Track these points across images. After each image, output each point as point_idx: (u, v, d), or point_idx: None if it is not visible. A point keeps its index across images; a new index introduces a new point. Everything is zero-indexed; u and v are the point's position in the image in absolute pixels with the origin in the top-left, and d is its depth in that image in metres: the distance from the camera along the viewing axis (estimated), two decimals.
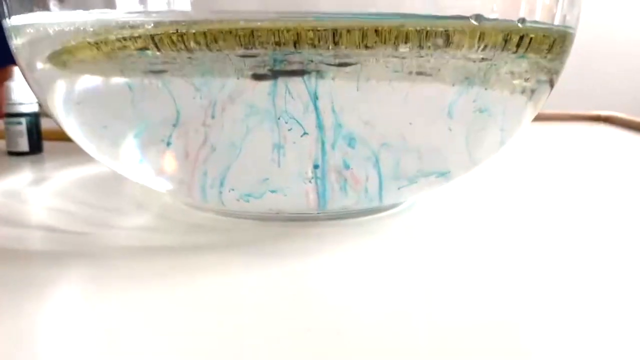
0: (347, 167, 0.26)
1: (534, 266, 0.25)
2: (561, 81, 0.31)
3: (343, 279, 0.23)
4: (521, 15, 0.25)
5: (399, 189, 0.29)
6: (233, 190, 0.27)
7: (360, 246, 0.27)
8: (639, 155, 0.56)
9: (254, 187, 0.27)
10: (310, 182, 0.27)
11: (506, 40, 0.24)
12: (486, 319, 0.20)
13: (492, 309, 0.20)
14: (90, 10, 0.25)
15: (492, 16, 0.23)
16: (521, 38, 0.24)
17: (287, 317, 0.20)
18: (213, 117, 0.25)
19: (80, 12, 0.25)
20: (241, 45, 0.22)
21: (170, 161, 0.28)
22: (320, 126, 0.24)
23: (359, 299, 0.21)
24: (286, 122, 0.24)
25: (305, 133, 0.25)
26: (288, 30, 0.22)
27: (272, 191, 0.27)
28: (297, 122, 0.25)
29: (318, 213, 0.29)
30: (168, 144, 0.26)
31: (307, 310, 0.20)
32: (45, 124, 0.49)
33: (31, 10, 0.26)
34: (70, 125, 0.29)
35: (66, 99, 0.28)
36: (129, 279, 0.23)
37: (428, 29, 0.22)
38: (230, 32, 0.22)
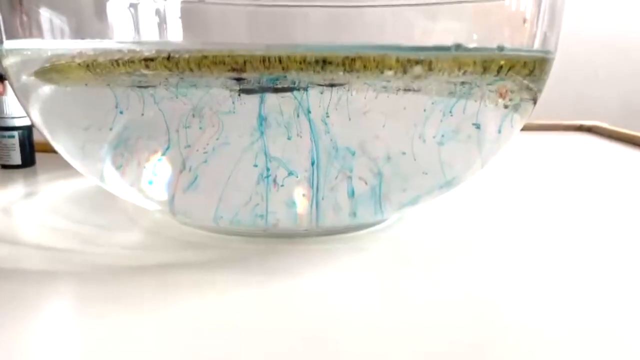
0: (345, 188, 0.27)
1: (525, 278, 0.26)
2: (544, 91, 0.32)
3: (333, 296, 0.24)
4: (502, 36, 0.26)
5: (399, 208, 0.30)
6: (222, 217, 0.28)
7: (349, 262, 0.27)
8: (622, 165, 0.56)
9: (244, 214, 0.28)
10: (302, 205, 0.27)
11: (485, 68, 0.25)
12: (478, 335, 0.20)
13: (482, 326, 0.21)
14: (84, 40, 0.26)
15: (472, 45, 0.24)
16: (501, 65, 0.25)
17: (277, 334, 0.20)
18: (193, 146, 0.25)
19: (74, 41, 0.26)
20: (232, 70, 0.23)
21: (158, 185, 0.28)
22: (314, 141, 0.25)
23: (349, 316, 0.22)
24: (270, 162, 0.25)
25: (291, 173, 0.26)
26: (279, 60, 0.23)
27: (262, 216, 0.27)
28: (283, 163, 0.26)
29: (307, 230, 0.30)
30: (154, 172, 0.27)
31: (296, 327, 0.21)
32: (37, 136, 0.49)
33: (24, 36, 0.27)
34: (56, 141, 0.30)
35: (52, 114, 0.29)
36: (118, 298, 0.23)
37: (412, 59, 0.23)
38: (223, 62, 0.23)
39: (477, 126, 0.28)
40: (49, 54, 0.26)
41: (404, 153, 0.27)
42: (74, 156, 0.30)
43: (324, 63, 0.23)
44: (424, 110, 0.26)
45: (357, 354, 0.19)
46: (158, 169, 0.27)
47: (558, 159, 0.60)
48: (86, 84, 0.26)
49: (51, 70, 0.27)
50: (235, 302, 0.23)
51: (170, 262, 0.27)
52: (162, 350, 0.19)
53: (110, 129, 0.27)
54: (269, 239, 0.30)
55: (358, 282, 0.25)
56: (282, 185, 0.26)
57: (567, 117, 0.79)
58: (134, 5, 0.25)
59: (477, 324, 0.21)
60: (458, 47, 0.23)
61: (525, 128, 0.32)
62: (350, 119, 0.25)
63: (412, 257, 0.28)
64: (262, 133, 0.25)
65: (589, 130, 0.75)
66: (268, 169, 0.26)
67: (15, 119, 0.47)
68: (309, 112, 0.24)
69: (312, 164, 0.26)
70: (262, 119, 0.25)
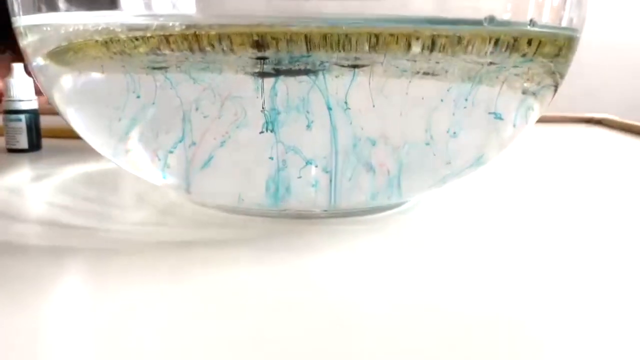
0: (363, 168, 0.26)
1: (535, 263, 0.25)
2: None
3: (352, 275, 0.23)
4: (529, 16, 0.26)
5: (418, 192, 0.29)
6: (243, 200, 0.27)
7: (368, 243, 0.27)
8: (632, 157, 0.56)
9: (261, 195, 0.27)
10: (321, 188, 0.27)
11: (515, 43, 0.24)
12: (491, 316, 0.20)
13: (497, 306, 0.21)
14: (99, 13, 0.25)
15: (505, 16, 0.23)
16: (530, 42, 0.25)
17: (296, 313, 0.20)
18: (210, 129, 0.25)
19: (90, 13, 0.25)
20: (256, 47, 0.22)
21: (175, 165, 0.28)
22: (333, 125, 0.24)
23: (368, 296, 0.21)
24: (289, 151, 0.25)
25: (309, 163, 0.25)
26: (305, 35, 0.22)
27: (279, 197, 0.27)
28: (300, 149, 0.25)
29: (326, 210, 0.29)
30: (171, 151, 0.26)
31: (316, 306, 0.20)
32: (44, 121, 0.49)
33: (40, 10, 0.26)
34: (75, 120, 0.29)
35: (70, 94, 0.28)
36: (134, 274, 0.23)
37: (442, 34, 0.23)
38: (245, 35, 0.22)
39: (498, 115, 0.27)
40: (69, 29, 0.25)
41: (427, 143, 0.26)
42: (92, 134, 0.29)
43: (347, 37, 0.23)
44: (442, 100, 0.25)
45: (376, 329, 0.19)
46: (174, 151, 0.27)
47: (569, 152, 0.59)
48: (102, 65, 0.25)
49: (68, 51, 0.26)
50: (254, 279, 0.22)
51: (186, 240, 0.27)
52: (182, 325, 0.19)
53: (126, 111, 0.26)
54: (287, 220, 0.29)
55: (376, 261, 0.25)
56: (299, 177, 0.26)
57: (577, 110, 0.79)
58: None
59: (491, 304, 0.21)
60: (491, 20, 0.23)
61: (536, 120, 0.31)
62: (370, 105, 0.24)
63: (430, 239, 0.28)
64: (278, 120, 0.24)
65: (599, 122, 0.75)
66: (284, 160, 0.25)
67: (22, 102, 0.46)
68: (328, 96, 0.24)
69: (332, 148, 0.25)
70: (275, 108, 0.24)
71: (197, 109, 0.25)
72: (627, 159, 0.55)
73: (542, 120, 0.72)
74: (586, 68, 1.51)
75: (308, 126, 0.24)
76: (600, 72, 1.58)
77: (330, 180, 0.27)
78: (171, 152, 0.26)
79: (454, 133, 0.27)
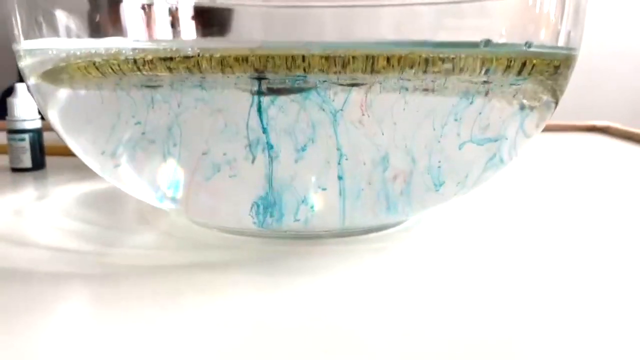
0: (364, 188, 0.26)
1: (540, 279, 0.25)
2: None
3: (351, 297, 0.23)
4: (527, 34, 0.26)
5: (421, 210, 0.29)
6: (244, 222, 0.27)
7: (367, 264, 0.27)
8: (636, 165, 0.56)
9: (264, 220, 0.27)
10: (324, 208, 0.27)
11: (509, 65, 0.24)
12: (497, 336, 0.20)
13: (503, 326, 0.20)
14: (101, 39, 0.25)
15: (501, 40, 0.23)
16: (524, 63, 0.25)
17: (296, 336, 0.20)
18: (210, 150, 0.25)
19: (92, 40, 0.25)
20: (254, 69, 0.23)
21: (174, 186, 0.28)
22: (333, 148, 0.24)
23: (371, 316, 0.21)
24: (288, 173, 0.25)
25: (309, 184, 0.25)
26: (302, 58, 0.22)
27: (282, 220, 0.27)
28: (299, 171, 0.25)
29: (327, 231, 0.29)
30: (170, 174, 0.26)
31: (316, 329, 0.20)
32: (48, 139, 0.49)
33: (42, 36, 0.27)
34: (72, 141, 0.29)
35: (67, 115, 0.29)
36: (135, 300, 0.23)
37: (438, 56, 0.23)
38: (245, 59, 0.22)
39: (498, 124, 0.27)
40: (68, 54, 0.25)
41: (430, 156, 0.26)
42: (90, 156, 0.29)
43: (344, 62, 0.23)
44: (440, 117, 0.25)
45: (378, 353, 0.19)
46: (173, 171, 0.27)
47: (573, 160, 0.59)
48: (99, 87, 0.26)
49: (65, 72, 0.26)
50: (256, 302, 0.22)
51: (189, 263, 0.27)
52: (183, 350, 0.19)
53: (118, 132, 0.26)
54: (288, 240, 0.29)
55: (380, 282, 0.25)
56: (300, 199, 0.26)
57: (580, 118, 0.79)
58: (147, 6, 0.25)
59: (494, 324, 0.21)
60: (487, 42, 0.23)
61: None
62: (371, 124, 0.24)
63: (433, 257, 0.28)
64: (277, 142, 0.24)
65: (602, 130, 0.75)
66: (284, 182, 0.25)
67: (25, 122, 0.47)
68: (328, 116, 0.24)
69: (333, 168, 0.25)
70: (274, 129, 0.24)
71: (193, 130, 0.25)
72: (630, 167, 0.55)
73: (545, 128, 0.72)
74: (591, 74, 1.50)
75: (303, 149, 0.24)
76: (606, 78, 1.58)
77: (334, 201, 0.27)
78: (167, 174, 0.27)
79: (456, 151, 0.27)
